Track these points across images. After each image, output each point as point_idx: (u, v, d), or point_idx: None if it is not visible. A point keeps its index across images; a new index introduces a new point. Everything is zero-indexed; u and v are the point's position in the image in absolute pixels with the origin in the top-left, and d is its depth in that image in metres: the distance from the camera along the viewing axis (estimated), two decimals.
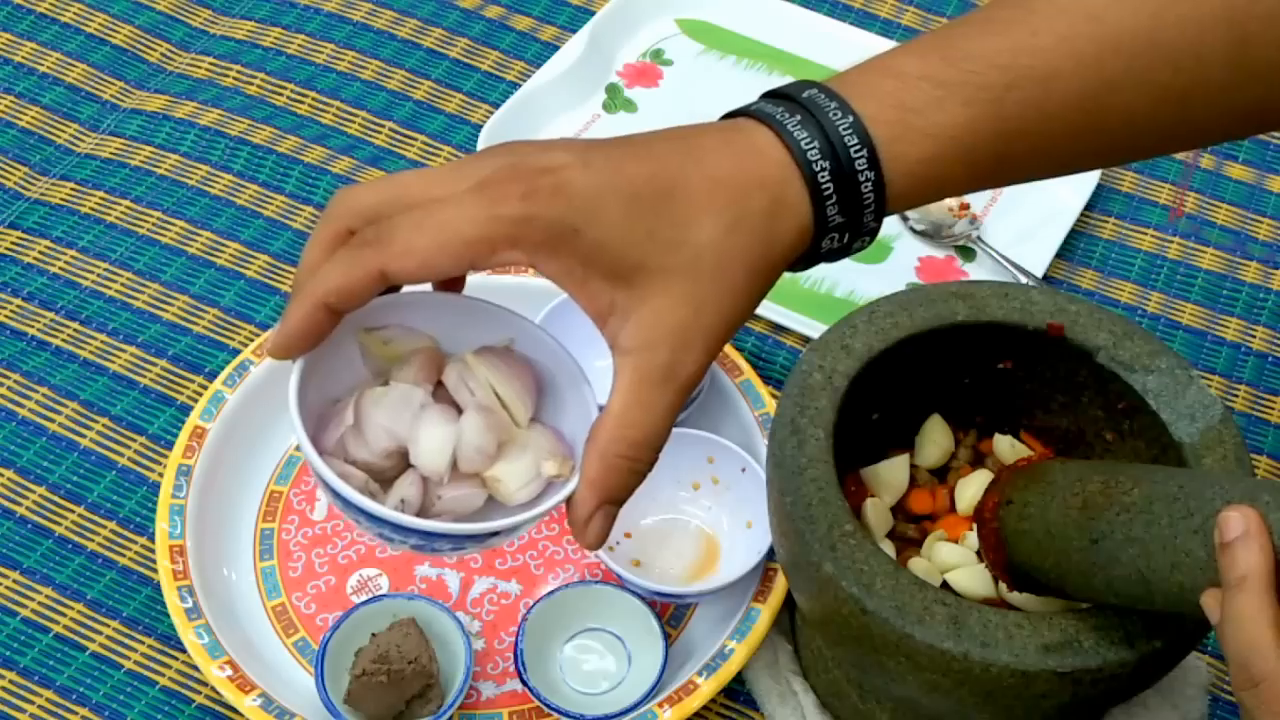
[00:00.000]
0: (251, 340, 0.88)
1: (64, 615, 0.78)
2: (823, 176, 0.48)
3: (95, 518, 0.82)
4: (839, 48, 1.07)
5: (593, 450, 0.48)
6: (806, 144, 0.48)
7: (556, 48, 1.05)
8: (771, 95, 0.52)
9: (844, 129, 0.48)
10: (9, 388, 0.87)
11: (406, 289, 0.51)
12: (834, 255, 0.52)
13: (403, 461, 0.53)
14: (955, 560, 0.69)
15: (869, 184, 0.48)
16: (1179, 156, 1.02)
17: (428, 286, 0.52)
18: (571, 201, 0.46)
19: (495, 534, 0.50)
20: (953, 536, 0.70)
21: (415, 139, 1.00)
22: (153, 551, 0.78)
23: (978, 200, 0.98)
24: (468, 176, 0.46)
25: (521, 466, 0.52)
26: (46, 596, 0.79)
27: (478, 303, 0.53)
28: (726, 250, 0.47)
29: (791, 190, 0.48)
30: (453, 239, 0.46)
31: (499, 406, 0.53)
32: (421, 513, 0.52)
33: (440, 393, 0.53)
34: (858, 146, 0.48)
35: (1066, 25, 0.50)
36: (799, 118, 0.49)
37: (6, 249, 0.93)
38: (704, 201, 0.47)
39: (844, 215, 0.49)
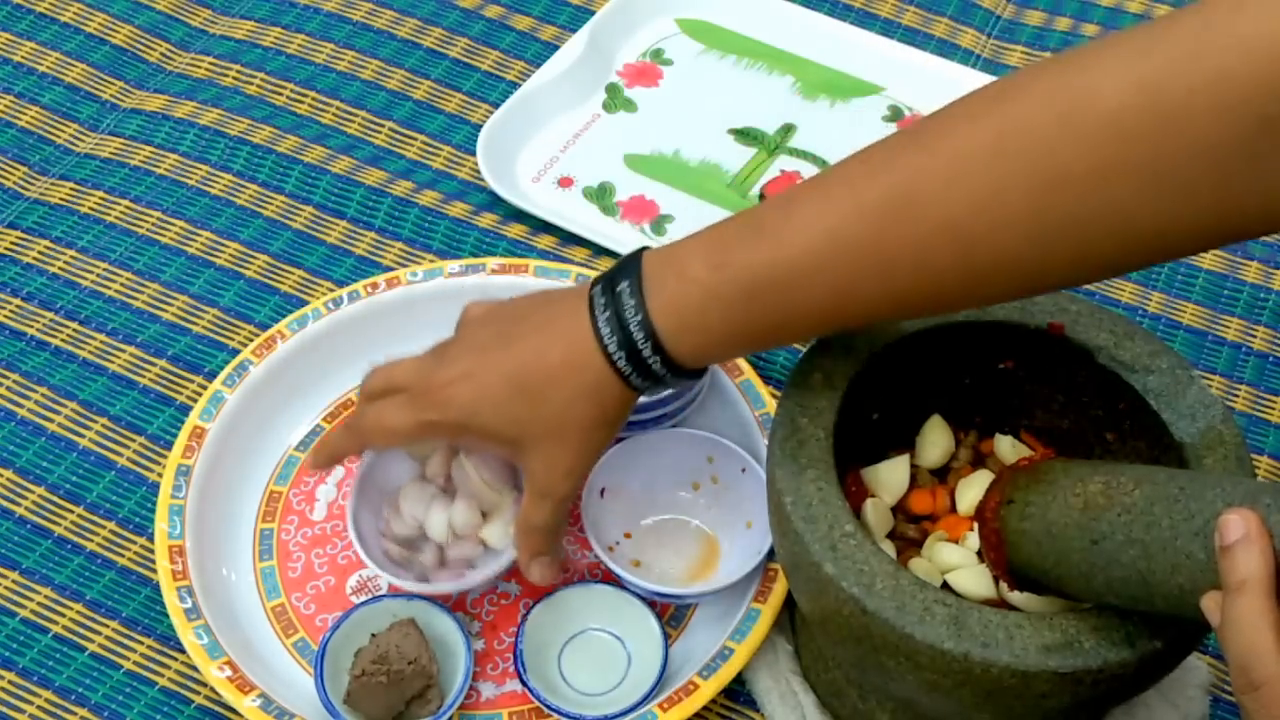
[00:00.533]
0: (251, 340, 0.88)
1: (63, 615, 0.78)
2: (619, 360, 0.65)
3: (94, 518, 0.82)
4: (839, 48, 1.07)
5: (515, 530, 0.73)
6: (608, 338, 0.64)
7: (556, 47, 1.05)
8: (610, 277, 0.66)
9: (634, 326, 0.64)
10: (8, 388, 0.87)
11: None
12: (660, 389, 0.68)
13: (425, 534, 0.77)
14: (956, 561, 0.68)
15: (656, 362, 0.64)
16: None
17: None
18: (463, 408, 0.68)
19: (480, 583, 0.76)
20: (953, 537, 0.70)
21: (415, 138, 1.00)
22: (152, 552, 0.78)
23: None
24: (399, 401, 0.70)
25: (499, 528, 0.76)
26: (46, 597, 0.79)
27: None
28: (570, 416, 0.67)
29: (603, 370, 0.65)
30: (396, 431, 0.70)
31: (485, 489, 0.76)
32: (440, 565, 0.77)
33: (450, 482, 0.78)
34: (643, 339, 0.64)
35: (803, 238, 0.60)
36: (608, 314, 0.64)
37: (6, 249, 0.93)
38: (550, 385, 0.66)
39: (645, 380, 0.65)
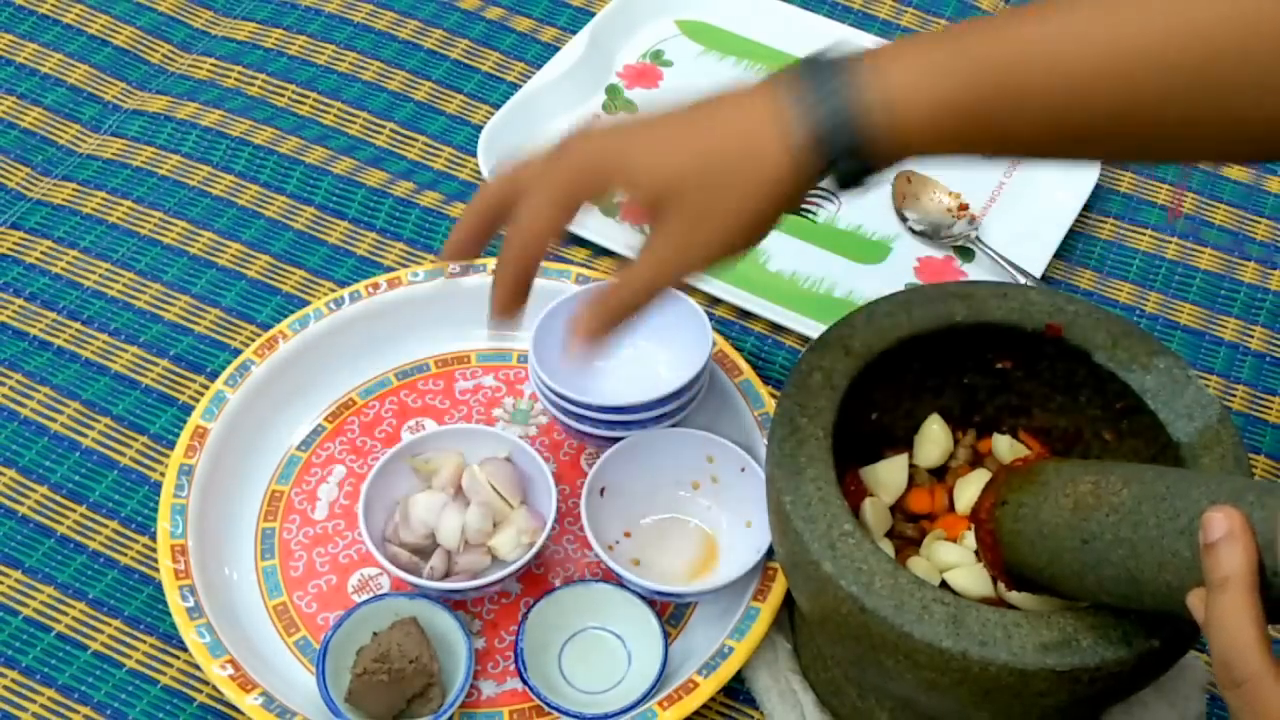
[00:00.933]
0: (253, 340, 0.88)
1: (66, 614, 0.78)
2: (821, 115, 0.58)
3: (97, 517, 0.82)
4: None
5: (616, 278, 0.63)
6: (803, 130, 0.58)
7: (557, 49, 1.05)
8: (811, 62, 0.60)
9: (843, 88, 0.58)
10: (11, 388, 0.87)
11: (438, 429, 0.82)
12: (840, 180, 0.61)
13: (434, 541, 0.78)
14: (954, 560, 0.69)
15: (855, 128, 0.58)
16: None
17: (457, 426, 0.83)
18: (626, 144, 0.62)
19: (488, 585, 0.76)
20: (951, 536, 0.70)
21: (416, 140, 1.01)
22: (154, 551, 0.79)
23: (977, 201, 0.98)
24: (565, 168, 0.64)
25: (509, 537, 0.78)
26: (48, 596, 0.79)
27: (488, 430, 0.81)
28: (732, 181, 0.60)
29: (784, 160, 0.59)
30: (535, 178, 0.64)
31: (496, 498, 0.78)
32: (447, 575, 0.77)
33: (460, 491, 0.79)
34: (851, 105, 0.57)
35: (1081, 46, 0.56)
36: (810, 100, 0.58)
37: (9, 249, 0.93)
38: (720, 140, 0.60)
39: (842, 155, 0.59)
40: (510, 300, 0.64)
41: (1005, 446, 0.73)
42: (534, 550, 0.76)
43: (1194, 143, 0.59)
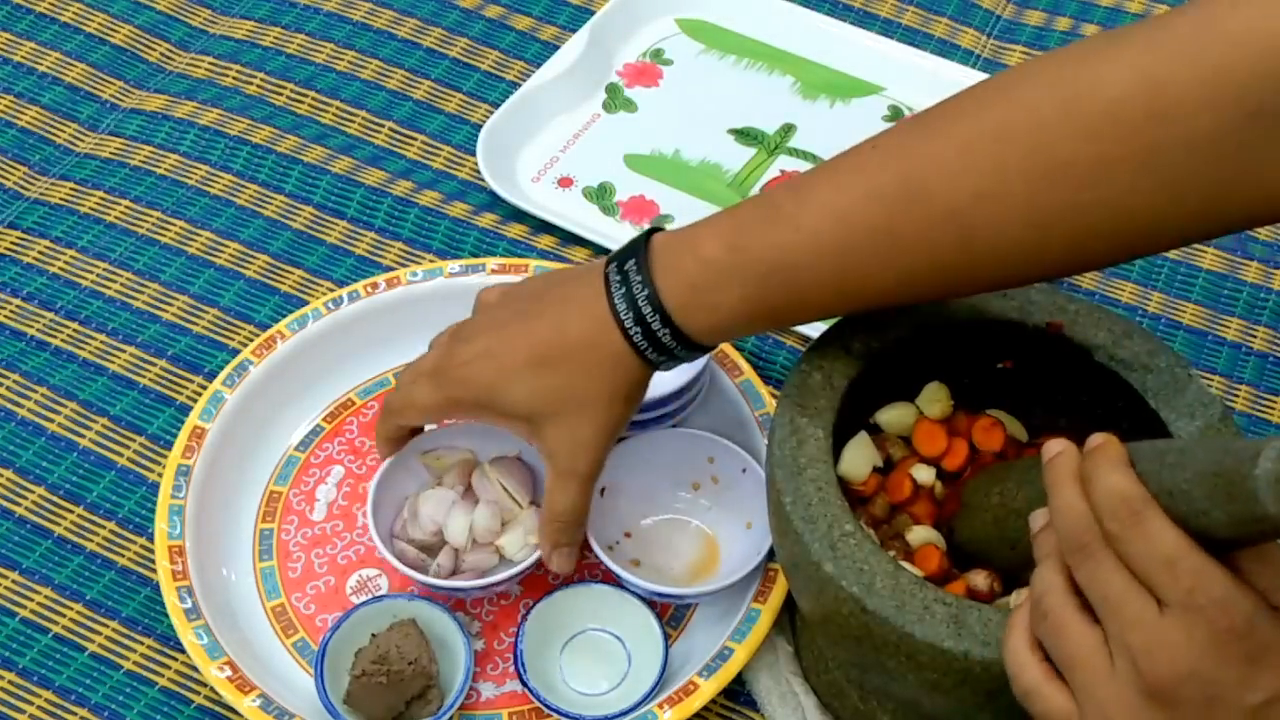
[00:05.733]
0: (251, 340, 0.88)
1: (63, 616, 0.78)
2: (635, 335, 0.66)
3: (94, 518, 0.82)
4: (839, 48, 1.07)
5: (540, 519, 0.73)
6: (623, 314, 0.66)
7: (556, 47, 1.05)
8: (622, 256, 0.67)
9: (643, 303, 0.66)
10: (8, 388, 0.87)
11: (450, 425, 0.81)
12: (674, 364, 0.69)
13: (442, 539, 0.78)
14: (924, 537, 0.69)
15: (667, 335, 0.66)
16: None
17: (468, 424, 0.81)
18: (483, 385, 0.70)
19: (494, 584, 0.76)
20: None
21: (415, 138, 1.00)
22: (152, 552, 0.78)
23: None
24: (424, 381, 0.72)
25: (517, 537, 0.78)
26: (46, 597, 0.79)
27: (498, 429, 0.76)
28: (590, 389, 0.68)
29: (620, 344, 0.67)
30: (424, 408, 0.73)
31: (506, 497, 0.78)
32: (454, 572, 0.77)
33: (470, 490, 0.79)
34: (652, 314, 0.65)
35: (817, 222, 0.63)
36: (623, 290, 0.66)
37: (6, 249, 0.93)
38: (567, 362, 0.68)
39: (659, 355, 0.67)
40: (389, 451, 0.78)
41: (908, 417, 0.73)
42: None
43: (994, 273, 0.63)
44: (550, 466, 0.70)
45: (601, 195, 0.98)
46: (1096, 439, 0.54)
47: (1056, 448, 0.55)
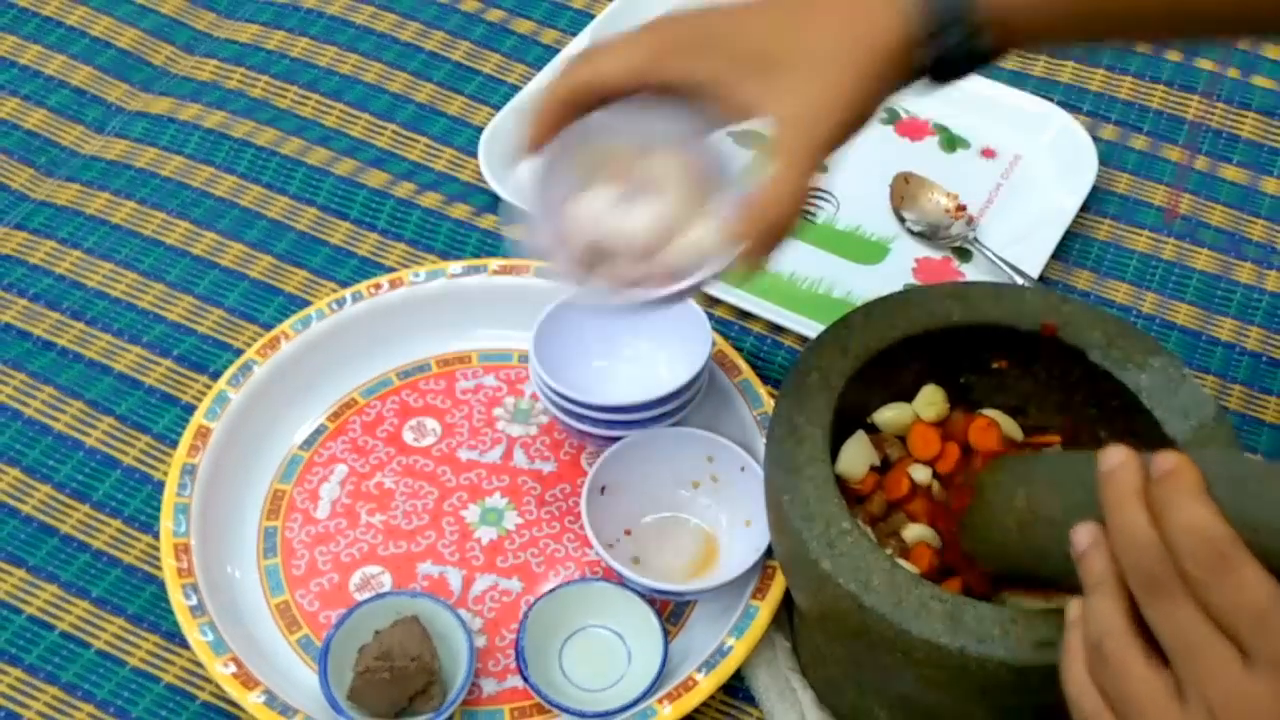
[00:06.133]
0: (255, 340, 0.89)
1: (69, 613, 0.79)
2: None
3: (100, 516, 0.82)
4: None
5: (747, 206, 0.59)
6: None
7: (557, 51, 1.05)
8: None
9: None
10: (15, 387, 0.87)
11: (607, 111, 0.63)
12: (937, 74, 0.61)
13: (604, 252, 0.63)
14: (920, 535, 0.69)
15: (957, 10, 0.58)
16: (1173, 158, 1.03)
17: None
18: (713, 19, 0.58)
19: (682, 292, 0.62)
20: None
21: (418, 141, 1.01)
22: (157, 549, 0.79)
23: (974, 202, 0.98)
24: (644, 26, 0.61)
25: (704, 232, 0.63)
26: (52, 594, 0.79)
27: (665, 106, 0.63)
28: (844, 45, 0.57)
29: (887, 7, 0.58)
30: (635, 53, 0.60)
31: (683, 188, 0.63)
32: (635, 281, 0.63)
33: (635, 182, 0.64)
34: None
35: None
36: None
37: (13, 250, 0.94)
38: (825, 8, 0.58)
39: (935, 35, 0.59)
40: (540, 127, 0.62)
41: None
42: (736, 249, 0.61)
43: None
44: (776, 137, 0.58)
45: None
46: (1168, 460, 0.49)
47: (1116, 457, 0.50)
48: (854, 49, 0.57)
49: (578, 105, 0.62)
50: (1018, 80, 1.07)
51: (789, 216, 0.58)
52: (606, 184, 0.64)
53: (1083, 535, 0.52)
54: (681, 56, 0.59)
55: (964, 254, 0.96)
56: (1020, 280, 0.92)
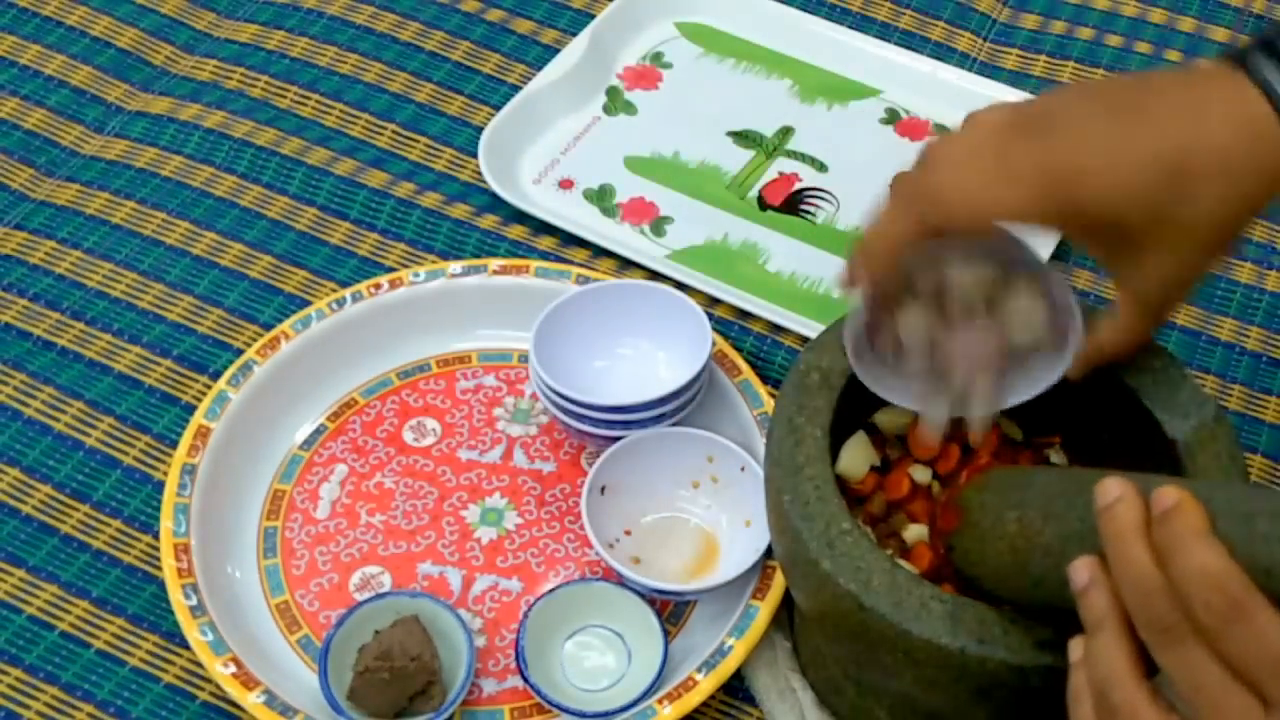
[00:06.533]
0: (255, 340, 0.89)
1: (69, 613, 0.79)
2: None
3: (100, 516, 0.82)
4: (836, 51, 1.07)
5: (1091, 338, 0.62)
6: None
7: (557, 51, 1.05)
8: (1261, 47, 0.55)
9: None
10: (15, 387, 0.87)
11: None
12: None
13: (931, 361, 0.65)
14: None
15: None
16: None
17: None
18: (1097, 191, 0.55)
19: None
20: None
21: (417, 141, 1.01)
22: (157, 549, 0.79)
23: None
24: (1004, 168, 0.57)
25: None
26: (51, 594, 0.79)
27: (1011, 241, 0.63)
28: (1220, 219, 0.55)
29: (1277, 149, 0.54)
30: (998, 212, 0.58)
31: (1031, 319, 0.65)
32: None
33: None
34: None
35: None
36: None
37: (12, 250, 0.94)
38: (1206, 179, 0.54)
39: None
40: (883, 265, 0.61)
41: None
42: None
43: None
44: (1131, 299, 0.59)
45: (602, 197, 0.99)
46: (1170, 496, 0.47)
47: (1114, 491, 0.49)
48: (1236, 221, 0.56)
49: (920, 244, 0.61)
50: (1018, 80, 1.07)
51: (1122, 358, 0.63)
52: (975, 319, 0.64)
53: (1082, 572, 0.51)
54: (1045, 218, 0.58)
55: None
56: None
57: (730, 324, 0.90)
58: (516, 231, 0.95)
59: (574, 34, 1.07)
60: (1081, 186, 0.56)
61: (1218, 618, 0.45)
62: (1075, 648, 0.52)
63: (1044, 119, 0.58)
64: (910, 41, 1.10)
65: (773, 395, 0.84)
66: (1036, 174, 0.57)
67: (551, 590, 0.77)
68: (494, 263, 0.89)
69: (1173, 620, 0.46)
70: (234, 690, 0.72)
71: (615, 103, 1.05)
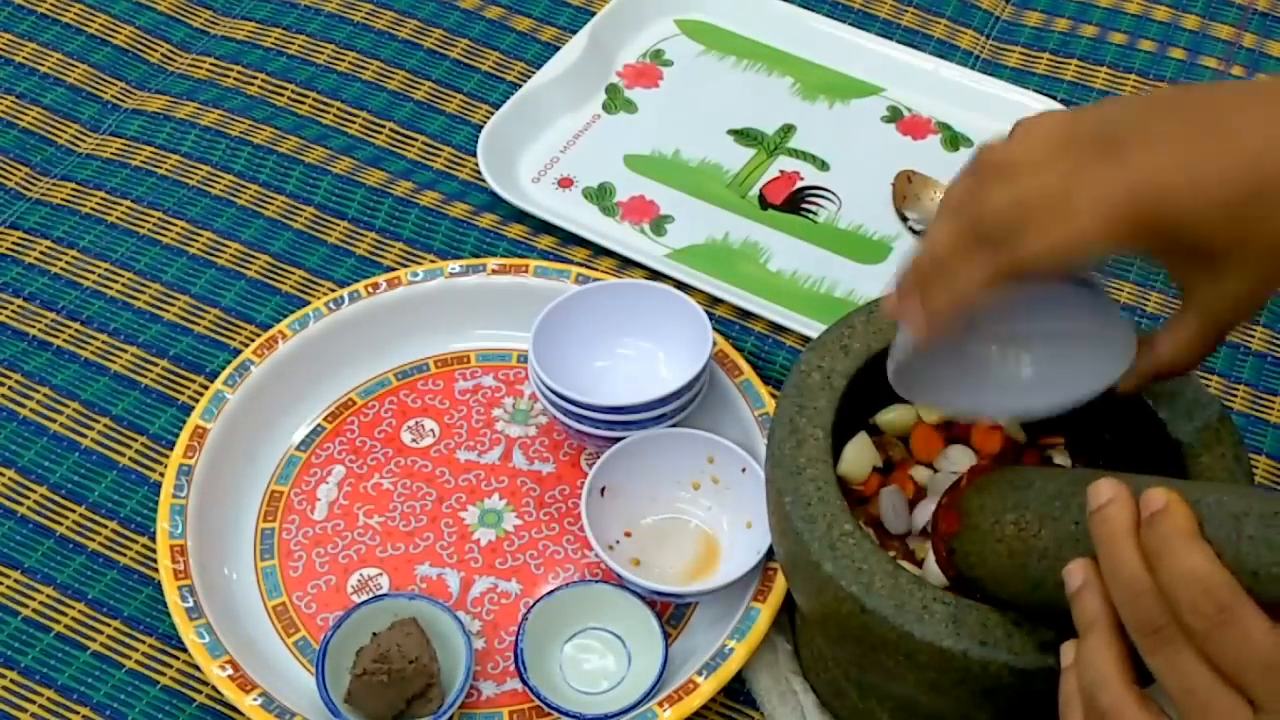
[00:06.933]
0: (252, 340, 0.88)
1: (65, 615, 0.78)
2: None
3: (96, 517, 0.82)
4: (838, 49, 1.07)
5: (1155, 358, 0.59)
6: None
7: (557, 48, 1.05)
8: None
9: None
10: (10, 388, 0.87)
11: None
12: None
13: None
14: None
15: None
16: None
17: None
18: (1179, 208, 0.53)
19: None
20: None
21: (416, 139, 1.01)
22: (154, 551, 0.79)
23: None
24: (1087, 187, 0.54)
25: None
26: (47, 596, 0.79)
27: (1084, 290, 0.61)
28: None
29: None
30: (1078, 243, 0.54)
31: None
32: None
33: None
34: None
35: None
36: None
37: (8, 249, 0.93)
38: (1273, 196, 0.53)
39: None
40: (952, 318, 0.57)
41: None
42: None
43: None
44: (1200, 314, 0.57)
45: (601, 195, 0.98)
46: (1158, 498, 0.47)
47: (1106, 493, 0.49)
48: None
49: (990, 293, 0.57)
50: (1021, 78, 1.06)
51: (1180, 374, 0.60)
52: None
53: (1076, 574, 0.51)
54: (1130, 241, 0.55)
55: None
56: None
57: (731, 324, 0.90)
58: (515, 230, 0.95)
59: (574, 31, 1.06)
60: (1164, 207, 0.54)
61: (1204, 620, 0.45)
62: (1067, 652, 0.52)
63: (1112, 136, 0.55)
64: (912, 39, 1.09)
65: (774, 395, 0.84)
66: (1117, 199, 0.54)
67: (551, 592, 0.76)
68: (493, 262, 0.89)
69: (1161, 622, 0.46)
70: (231, 693, 0.72)
71: (615, 101, 1.04)
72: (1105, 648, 0.49)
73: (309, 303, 0.89)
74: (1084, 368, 0.62)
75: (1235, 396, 0.90)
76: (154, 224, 0.95)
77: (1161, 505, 0.47)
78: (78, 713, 0.75)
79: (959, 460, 0.70)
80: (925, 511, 0.68)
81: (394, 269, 0.92)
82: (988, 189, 0.56)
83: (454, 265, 0.89)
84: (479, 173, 0.97)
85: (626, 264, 0.93)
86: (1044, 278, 0.57)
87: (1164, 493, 0.47)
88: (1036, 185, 0.55)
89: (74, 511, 0.82)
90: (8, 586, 0.79)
